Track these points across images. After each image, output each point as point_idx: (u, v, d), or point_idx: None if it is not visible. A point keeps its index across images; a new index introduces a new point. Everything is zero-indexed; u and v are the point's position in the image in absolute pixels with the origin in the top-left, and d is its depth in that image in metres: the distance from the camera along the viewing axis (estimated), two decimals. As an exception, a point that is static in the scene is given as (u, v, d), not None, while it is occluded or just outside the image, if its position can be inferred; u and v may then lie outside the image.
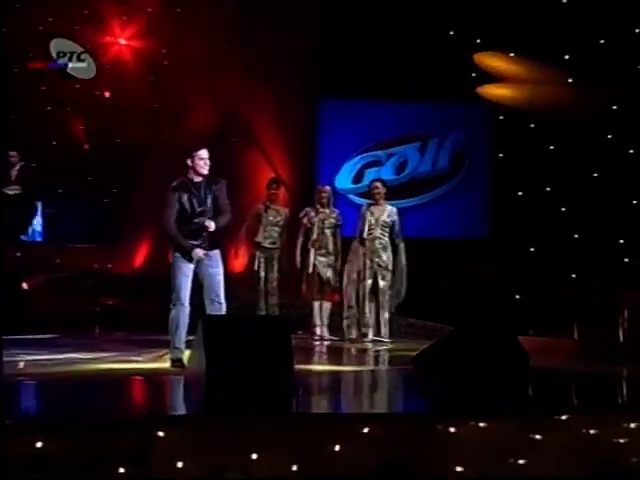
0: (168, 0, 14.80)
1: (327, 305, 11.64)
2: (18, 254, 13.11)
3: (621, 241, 13.10)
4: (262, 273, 11.68)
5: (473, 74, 13.84)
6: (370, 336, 11.22)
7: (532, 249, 13.44)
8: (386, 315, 11.27)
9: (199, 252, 8.74)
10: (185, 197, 8.81)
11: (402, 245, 11.32)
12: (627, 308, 11.66)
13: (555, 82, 13.75)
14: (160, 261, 13.04)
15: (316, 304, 11.54)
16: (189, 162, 8.93)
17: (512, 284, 12.94)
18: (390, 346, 11.17)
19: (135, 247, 14.34)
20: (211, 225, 8.90)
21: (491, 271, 12.75)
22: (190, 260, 8.87)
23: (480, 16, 13.79)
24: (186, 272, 8.89)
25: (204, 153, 8.91)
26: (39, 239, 14.68)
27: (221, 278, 8.94)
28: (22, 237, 14.00)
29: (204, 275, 8.86)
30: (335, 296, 11.88)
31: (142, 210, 13.63)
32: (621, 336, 11.46)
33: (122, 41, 14.96)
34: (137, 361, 9.72)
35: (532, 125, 13.69)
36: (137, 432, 5.91)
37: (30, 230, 14.55)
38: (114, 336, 11.60)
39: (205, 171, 8.89)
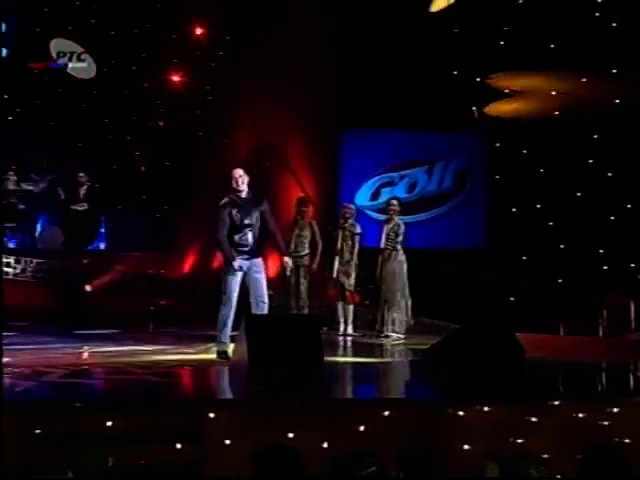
0: (213, 45, 14.87)
1: (350, 306, 11.74)
2: (85, 261, 13.77)
3: (601, 251, 13.16)
4: (293, 278, 11.62)
5: (473, 107, 14.01)
6: (384, 332, 11.27)
7: (524, 258, 13.47)
8: (394, 315, 11.33)
9: (236, 264, 8.93)
10: (234, 211, 9.00)
11: (394, 253, 11.36)
12: (606, 309, 11.79)
13: (560, 90, 13.59)
14: (205, 267, 14.02)
15: (339, 304, 11.69)
16: (236, 181, 9.17)
17: (507, 288, 12.97)
18: (402, 341, 11.25)
19: (184, 255, 14.43)
20: (289, 262, 9.46)
21: (489, 276, 12.90)
22: (231, 267, 9.04)
23: (480, 52, 13.71)
24: (236, 277, 9.09)
25: (236, 172, 9.12)
26: (102, 248, 14.68)
27: (264, 281, 9.17)
28: (88, 246, 14.44)
29: (250, 279, 9.06)
30: (355, 297, 11.98)
31: (189, 223, 13.97)
32: (601, 332, 11.63)
33: (175, 78, 14.98)
34: (187, 353, 10.02)
35: (524, 151, 13.78)
36: (191, 413, 6.50)
37: (94, 240, 14.69)
38: (166, 331, 11.73)
39: (240, 187, 9.07)
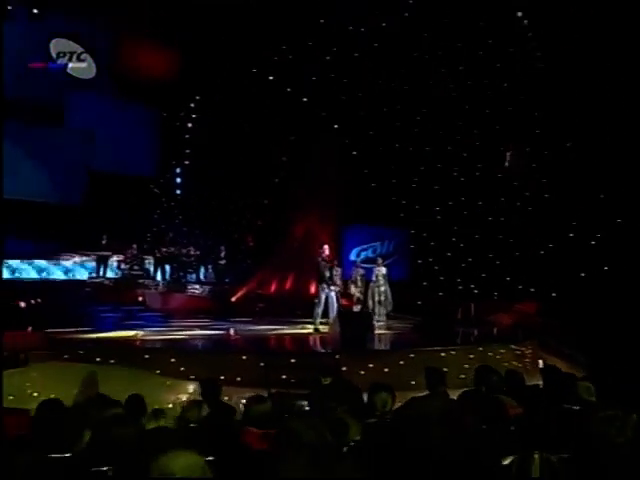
0: (281, 190, 14.68)
1: (359, 306, 11.83)
2: (226, 287, 14.33)
3: (458, 280, 13.46)
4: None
5: (402, 214, 14.36)
6: (378, 319, 11.33)
7: (425, 283, 13.81)
8: (382, 311, 11.67)
9: (325, 287, 9.99)
10: (326, 264, 10.19)
11: (385, 281, 11.74)
12: (460, 308, 12.26)
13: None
14: (281, 288, 14.53)
15: (354, 307, 11.86)
16: (321, 251, 10.21)
17: (416, 298, 13.05)
18: (387, 323, 11.59)
19: (270, 282, 14.67)
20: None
21: (409, 292, 12.99)
22: (323, 287, 9.95)
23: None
24: (324, 292, 10.16)
25: (325, 246, 10.38)
26: (231, 281, 14.62)
27: (335, 298, 10.33)
28: (226, 280, 14.69)
29: (328, 296, 10.20)
30: (360, 303, 11.94)
31: (272, 268, 14.65)
32: (460, 315, 12.17)
33: (265, 201, 15.07)
34: (294, 329, 10.78)
35: (424, 234, 14.29)
36: (328, 358, 7.74)
37: (227, 277, 14.72)
38: (267, 320, 11.88)
39: (325, 253, 10.16)
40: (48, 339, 8.71)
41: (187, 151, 15.44)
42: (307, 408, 4.71)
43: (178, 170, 15.77)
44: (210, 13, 12.98)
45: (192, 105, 15.13)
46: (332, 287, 10.14)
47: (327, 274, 10.10)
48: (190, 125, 15.32)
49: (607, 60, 10.58)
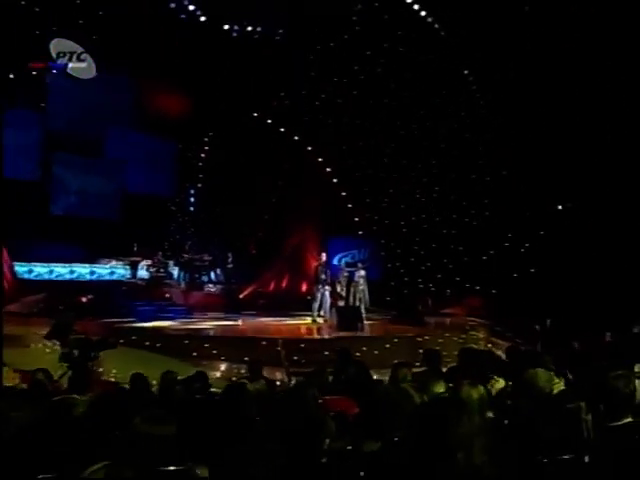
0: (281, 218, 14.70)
1: (342, 302, 11.68)
2: (234, 287, 14.30)
3: (419, 280, 13.51)
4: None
5: (374, 228, 14.57)
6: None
7: (392, 283, 13.78)
8: (363, 306, 11.61)
9: (320, 286, 10.10)
10: (321, 268, 10.27)
11: (364, 281, 11.83)
12: (420, 303, 12.35)
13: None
14: (279, 287, 14.77)
15: (340, 302, 11.59)
16: (320, 258, 10.46)
17: (387, 294, 13.09)
18: (368, 316, 11.20)
19: (269, 282, 14.86)
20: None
21: (381, 290, 12.96)
22: (318, 286, 10.16)
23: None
24: (320, 290, 10.38)
25: (323, 254, 10.63)
26: (236, 281, 14.64)
27: (328, 294, 10.58)
28: (232, 281, 14.64)
29: (322, 294, 10.50)
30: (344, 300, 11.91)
31: (270, 270, 14.81)
32: (420, 308, 12.04)
33: (265, 217, 14.96)
34: (295, 320, 10.94)
35: (392, 244, 14.34)
36: (338, 343, 7.73)
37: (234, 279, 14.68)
38: (269, 313, 11.91)
39: (323, 260, 10.41)
40: (108, 327, 9.43)
41: (200, 176, 15.86)
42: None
43: (192, 191, 16.11)
44: (220, 67, 13.70)
45: (205, 139, 15.58)
46: (326, 287, 10.57)
47: (323, 276, 10.49)
48: (202, 155, 15.74)
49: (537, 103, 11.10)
